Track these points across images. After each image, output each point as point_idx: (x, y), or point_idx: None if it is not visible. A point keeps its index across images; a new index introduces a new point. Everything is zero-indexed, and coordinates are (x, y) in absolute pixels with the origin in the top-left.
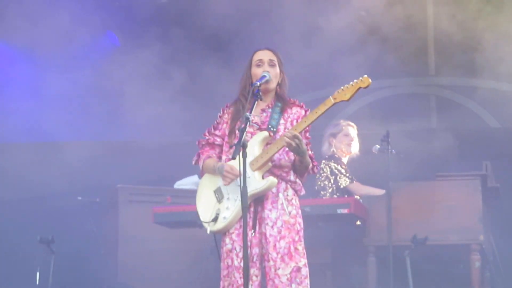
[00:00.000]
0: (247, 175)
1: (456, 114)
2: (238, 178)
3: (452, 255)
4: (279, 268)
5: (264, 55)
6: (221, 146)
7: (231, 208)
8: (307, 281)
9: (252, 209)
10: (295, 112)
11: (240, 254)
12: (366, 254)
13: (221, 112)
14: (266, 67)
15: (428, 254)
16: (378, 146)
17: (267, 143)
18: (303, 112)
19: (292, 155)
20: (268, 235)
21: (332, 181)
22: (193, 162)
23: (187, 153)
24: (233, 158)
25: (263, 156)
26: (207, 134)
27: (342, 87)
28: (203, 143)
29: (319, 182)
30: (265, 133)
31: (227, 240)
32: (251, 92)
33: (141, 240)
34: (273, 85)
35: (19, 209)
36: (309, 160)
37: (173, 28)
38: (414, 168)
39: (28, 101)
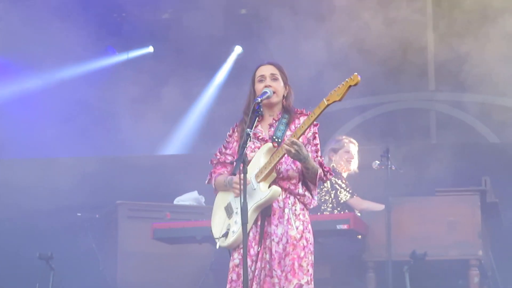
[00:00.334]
0: (252, 188)
1: (456, 129)
2: (247, 190)
3: (451, 270)
4: (283, 287)
5: (266, 70)
6: (232, 164)
7: (239, 222)
8: None
9: (259, 223)
10: (302, 121)
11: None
12: (365, 270)
13: (231, 131)
14: (268, 82)
15: (427, 270)
16: (378, 162)
17: (272, 154)
18: None
19: (299, 164)
20: (274, 251)
21: (332, 195)
22: (206, 182)
23: (187, 169)
24: (233, 174)
25: (267, 167)
26: (218, 154)
27: (334, 89)
28: (215, 162)
29: (319, 197)
30: (269, 145)
31: (236, 255)
32: (251, 108)
33: (141, 256)
34: (276, 99)
35: (18, 226)
36: (317, 166)
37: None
38: (413, 183)
39: (27, 117)
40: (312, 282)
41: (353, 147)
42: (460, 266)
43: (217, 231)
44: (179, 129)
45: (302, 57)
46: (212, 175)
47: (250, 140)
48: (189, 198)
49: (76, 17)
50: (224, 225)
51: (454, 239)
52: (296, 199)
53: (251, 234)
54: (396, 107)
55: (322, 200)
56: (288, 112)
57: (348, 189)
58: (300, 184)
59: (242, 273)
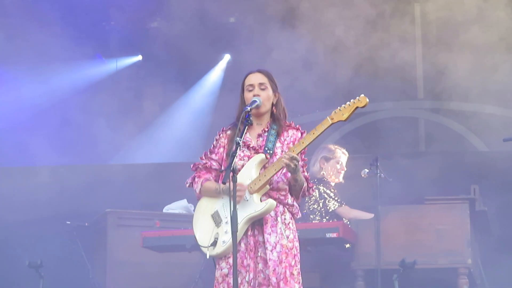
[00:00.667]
0: (245, 198)
1: (445, 137)
2: (240, 200)
3: (440, 278)
4: None
5: (254, 79)
6: (217, 170)
7: (229, 232)
8: None
9: (249, 232)
10: (291, 134)
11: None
12: (354, 278)
13: (218, 136)
14: (256, 91)
15: (416, 278)
16: (367, 170)
17: (264, 166)
18: (299, 135)
19: (289, 176)
20: (268, 259)
21: (321, 204)
22: (187, 185)
23: (176, 177)
24: (223, 183)
25: (261, 179)
26: (203, 157)
27: (339, 107)
28: (199, 166)
29: (308, 206)
30: (262, 156)
31: (223, 264)
32: (241, 118)
33: (130, 264)
34: (265, 108)
35: (7, 234)
36: (303, 179)
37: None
38: (402, 192)
39: (17, 125)
40: None
41: (344, 158)
42: (449, 274)
43: (203, 239)
44: (171, 137)
45: (291, 65)
46: (196, 179)
47: (240, 149)
48: (178, 207)
49: (64, 25)
50: (213, 233)
51: (443, 247)
52: (286, 208)
53: (242, 245)
54: (385, 115)
55: (311, 209)
56: (277, 123)
57: (336, 198)
58: (289, 195)
59: (232, 282)
